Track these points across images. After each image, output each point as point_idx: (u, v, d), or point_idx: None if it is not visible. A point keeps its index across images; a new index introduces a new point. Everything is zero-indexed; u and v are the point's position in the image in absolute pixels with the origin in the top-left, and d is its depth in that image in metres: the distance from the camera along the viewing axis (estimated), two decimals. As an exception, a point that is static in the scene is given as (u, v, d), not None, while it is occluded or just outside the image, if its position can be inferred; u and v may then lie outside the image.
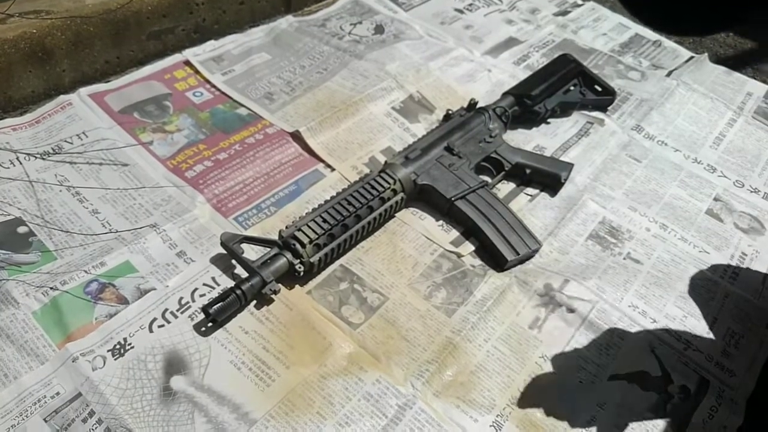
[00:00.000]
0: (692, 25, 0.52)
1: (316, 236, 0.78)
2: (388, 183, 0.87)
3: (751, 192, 1.07)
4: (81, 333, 0.69)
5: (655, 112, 1.20)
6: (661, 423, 0.73)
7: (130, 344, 0.69)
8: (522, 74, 1.21)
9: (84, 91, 0.97)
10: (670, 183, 1.06)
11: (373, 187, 0.85)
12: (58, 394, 0.64)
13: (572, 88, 1.17)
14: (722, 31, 0.53)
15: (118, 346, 0.68)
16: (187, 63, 1.08)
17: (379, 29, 1.26)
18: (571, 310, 0.82)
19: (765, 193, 1.07)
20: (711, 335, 0.83)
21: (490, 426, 0.70)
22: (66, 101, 0.96)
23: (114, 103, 0.97)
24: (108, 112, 0.95)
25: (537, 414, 0.72)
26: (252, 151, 0.95)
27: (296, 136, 0.98)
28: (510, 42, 1.32)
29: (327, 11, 1.30)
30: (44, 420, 0.62)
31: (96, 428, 0.62)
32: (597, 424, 0.72)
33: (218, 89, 1.05)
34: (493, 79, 1.20)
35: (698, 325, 0.84)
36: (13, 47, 0.87)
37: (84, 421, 0.62)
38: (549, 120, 1.13)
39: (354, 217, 0.82)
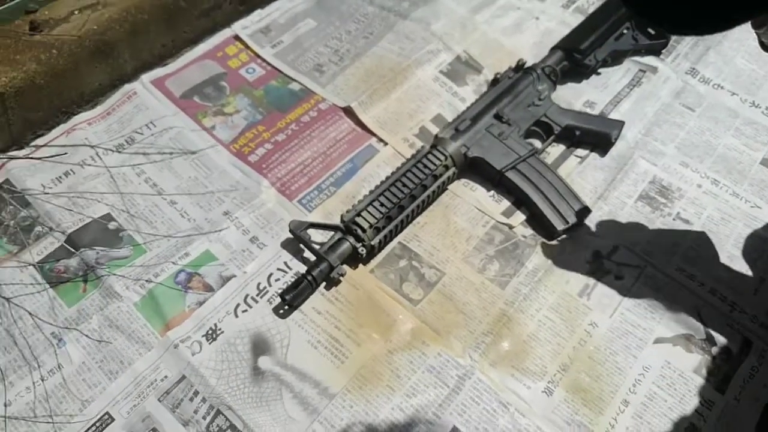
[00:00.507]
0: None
1: (375, 220, 0.84)
2: (440, 159, 0.90)
3: (810, 136, 1.05)
4: (177, 321, 0.79)
5: (712, 52, 1.16)
6: (703, 382, 0.79)
7: (220, 329, 0.78)
8: (571, 19, 1.18)
9: (146, 78, 1.02)
10: (725, 133, 1.05)
11: (425, 166, 0.89)
12: (166, 377, 0.74)
13: (624, 32, 1.14)
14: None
15: (210, 332, 0.78)
16: (237, 38, 1.10)
17: (423, -20, 1.23)
18: (619, 277, 0.87)
19: (825, 136, 1.05)
20: (758, 295, 0.86)
21: (542, 392, 0.77)
22: (131, 90, 1.01)
23: (175, 88, 1.02)
24: (171, 99, 1.00)
25: (585, 379, 0.79)
26: (308, 130, 0.99)
27: (348, 111, 1.02)
28: (559, -20, 1.27)
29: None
30: (158, 400, 0.73)
31: (201, 406, 0.73)
32: (642, 386, 0.78)
33: (269, 64, 1.08)
34: (541, 28, 1.18)
35: (745, 286, 0.87)
36: (79, 46, 0.91)
37: (191, 400, 0.73)
38: (600, 71, 1.12)
39: (409, 198, 0.87)
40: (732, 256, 0.90)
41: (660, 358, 0.81)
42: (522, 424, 0.74)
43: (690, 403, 0.77)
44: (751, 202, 0.96)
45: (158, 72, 1.04)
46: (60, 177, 0.91)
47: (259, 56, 1.09)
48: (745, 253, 0.91)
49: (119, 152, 0.93)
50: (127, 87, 1.02)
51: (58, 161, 0.88)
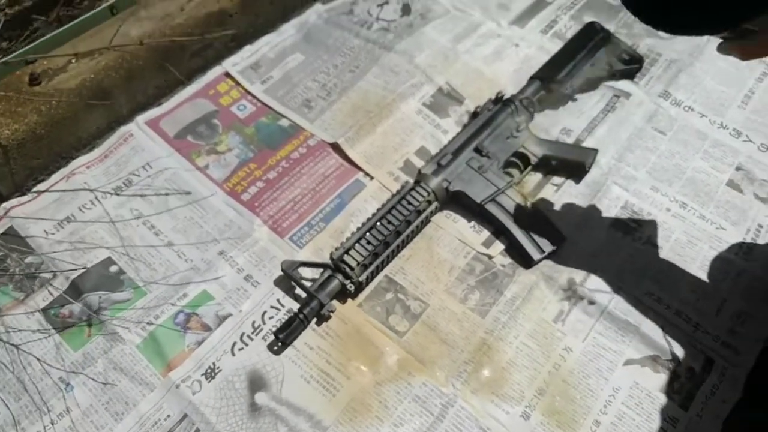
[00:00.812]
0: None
1: (363, 258, 0.89)
2: (423, 195, 0.95)
3: (775, 156, 1.11)
4: (178, 361, 0.84)
5: (683, 74, 1.21)
6: (668, 401, 0.85)
7: (218, 368, 0.84)
8: (550, 45, 1.23)
9: (141, 119, 1.07)
10: (694, 155, 1.10)
11: (409, 203, 0.94)
12: (168, 416, 0.80)
13: (600, 57, 1.19)
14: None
15: (209, 371, 0.84)
16: (228, 75, 1.15)
17: (405, 9, 1.28)
18: (592, 302, 0.93)
19: (789, 156, 1.11)
20: (720, 316, 0.92)
21: (520, 416, 0.83)
22: (127, 132, 1.06)
23: (169, 128, 1.07)
24: (165, 139, 1.05)
25: (560, 402, 0.85)
26: (298, 167, 1.04)
27: (336, 147, 1.07)
28: (538, 5, 1.31)
29: (354, -8, 1.32)
30: (162, 440, 0.79)
31: (202, 443, 0.79)
32: (612, 406, 0.85)
33: (260, 100, 1.12)
34: (520, 55, 1.22)
35: (709, 307, 0.93)
36: (78, 95, 0.96)
37: (193, 437, 0.79)
38: (576, 97, 1.17)
39: (394, 234, 0.92)
40: (697, 278, 0.96)
41: (629, 379, 0.87)
42: (501, 448, 0.81)
43: (656, 421, 0.83)
44: (716, 224, 1.02)
45: (153, 112, 1.08)
46: (62, 222, 0.96)
47: (249, 93, 1.13)
48: (709, 275, 0.97)
49: (118, 195, 0.98)
50: (123, 129, 1.06)
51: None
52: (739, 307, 0.93)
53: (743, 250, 0.99)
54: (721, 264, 0.98)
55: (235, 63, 1.17)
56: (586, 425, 0.83)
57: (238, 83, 1.14)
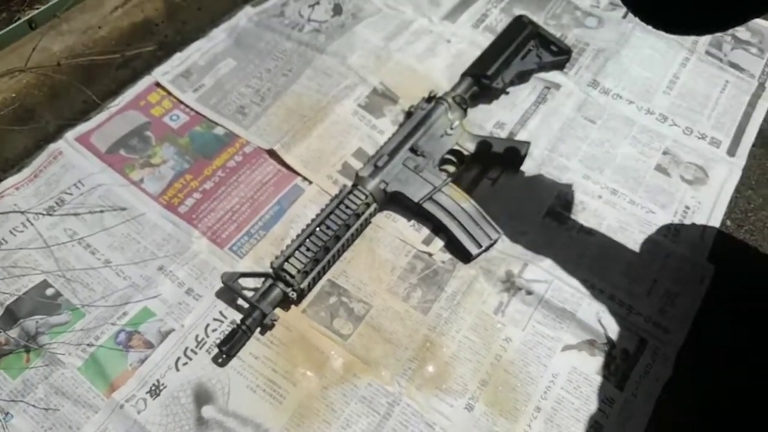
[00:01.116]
0: None
1: (303, 265, 0.90)
2: (361, 198, 0.96)
3: (699, 138, 1.16)
4: (121, 380, 0.83)
5: (611, 62, 1.25)
6: (605, 382, 0.89)
7: (163, 384, 0.84)
8: (481, 39, 1.25)
9: (70, 135, 1.04)
10: (623, 142, 1.14)
11: (347, 207, 0.95)
12: (114, 438, 0.80)
13: (530, 50, 1.22)
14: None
15: (153, 388, 0.83)
16: (158, 84, 1.13)
17: (337, 9, 1.28)
18: (530, 293, 0.96)
19: (711, 138, 1.16)
20: (650, 297, 0.97)
21: (464, 408, 0.86)
22: (56, 150, 1.03)
23: (100, 143, 1.05)
24: (97, 155, 1.03)
25: (502, 391, 0.87)
26: (235, 175, 1.03)
27: (272, 153, 1.06)
28: (468, 0, 1.33)
29: (284, -8, 1.31)
30: (107, 462, 0.79)
31: (150, 462, 0.79)
32: (551, 392, 0.88)
33: (192, 109, 1.11)
34: (452, 51, 1.24)
35: (640, 289, 0.97)
36: (-2, 116, 0.93)
37: (139, 457, 0.79)
38: (508, 90, 1.19)
39: (334, 239, 0.93)
40: (630, 262, 1.00)
41: (567, 364, 0.90)
42: (447, 441, 0.83)
43: (594, 403, 0.87)
44: (646, 208, 1.06)
45: (82, 128, 1.06)
46: (-7, 247, 0.93)
47: (181, 102, 1.12)
48: (640, 258, 1.01)
49: (50, 215, 0.96)
50: (52, 147, 1.04)
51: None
52: (669, 287, 0.97)
53: (671, 232, 1.04)
54: (651, 247, 1.02)
55: (165, 72, 1.15)
56: (527, 412, 0.86)
57: (169, 93, 1.13)
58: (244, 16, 1.25)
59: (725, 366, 0.90)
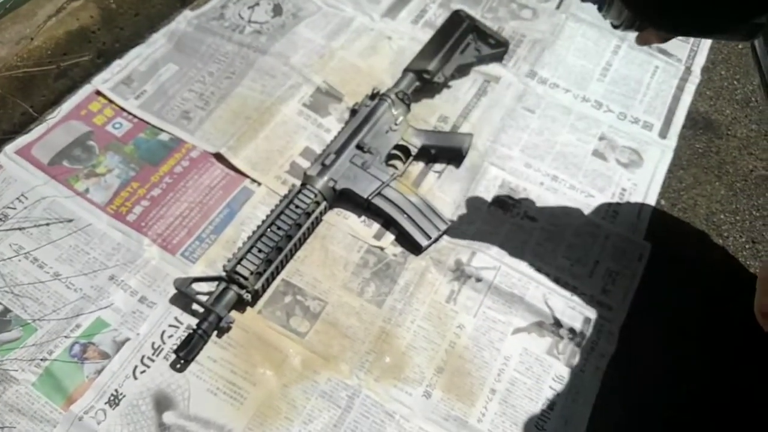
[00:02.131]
0: None
1: (255, 267, 0.91)
2: (310, 198, 0.98)
3: (632, 123, 1.22)
4: (79, 393, 0.83)
5: (547, 53, 1.30)
6: (554, 362, 0.93)
7: (122, 394, 0.84)
8: (421, 34, 1.27)
9: (9, 149, 1.02)
10: (561, 129, 1.19)
11: (297, 206, 0.97)
12: (74, 451, 0.80)
13: (469, 44, 1.25)
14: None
15: (112, 398, 0.83)
16: (99, 93, 1.11)
17: (277, 9, 1.28)
18: (479, 280, 0.99)
19: (644, 122, 1.22)
20: (593, 277, 1.02)
21: (422, 396, 0.89)
22: (-4, 165, 1.01)
23: (42, 155, 1.03)
24: (39, 167, 1.01)
25: (457, 376, 0.91)
26: (182, 181, 1.03)
27: (219, 156, 1.07)
28: (407, -6, 1.36)
29: (222, -6, 1.30)
30: (67, 476, 0.78)
31: (112, 472, 0.79)
32: (505, 374, 0.92)
33: (135, 116, 1.10)
34: (394, 47, 1.26)
35: (583, 270, 1.02)
36: (-70, 133, 0.91)
37: (101, 468, 0.79)
38: (450, 84, 1.22)
39: (286, 239, 0.94)
40: (572, 245, 1.05)
41: (519, 346, 0.94)
42: (407, 428, 0.86)
43: (546, 382, 0.91)
44: (585, 192, 1.11)
45: (22, 140, 1.04)
46: (-66, 268, 0.91)
47: (124, 109, 1.10)
48: (582, 240, 1.06)
49: (-7, 231, 0.94)
50: (-9, 161, 1.01)
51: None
52: (609, 266, 1.02)
53: (610, 214, 1.09)
54: (591, 229, 1.07)
55: (105, 80, 1.14)
56: (483, 395, 0.89)
57: (110, 101, 1.11)
58: (183, 20, 1.24)
59: (666, 337, 0.96)
